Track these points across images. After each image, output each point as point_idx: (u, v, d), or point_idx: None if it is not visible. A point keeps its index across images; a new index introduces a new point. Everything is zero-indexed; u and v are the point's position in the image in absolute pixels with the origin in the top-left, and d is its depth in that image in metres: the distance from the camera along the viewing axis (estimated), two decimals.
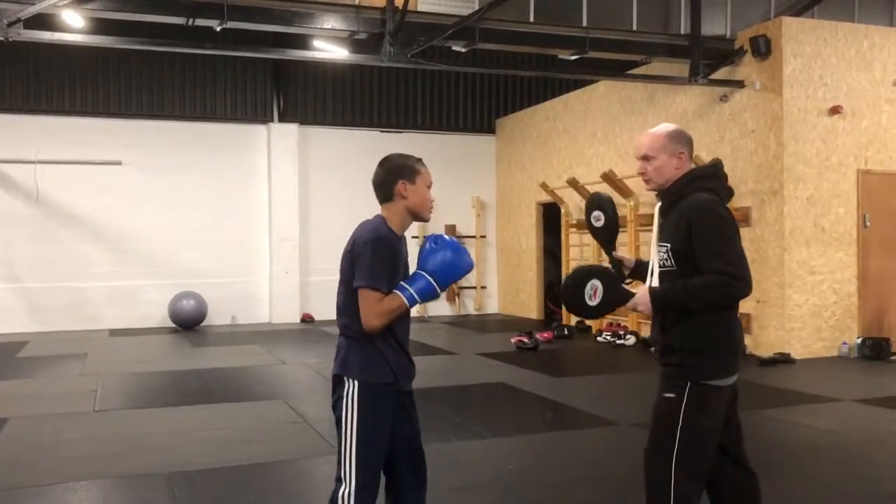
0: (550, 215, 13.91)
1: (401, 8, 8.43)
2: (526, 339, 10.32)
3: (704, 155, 9.90)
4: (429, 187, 2.97)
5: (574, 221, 12.79)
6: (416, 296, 2.78)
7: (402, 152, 3.05)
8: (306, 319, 14.00)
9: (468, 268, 2.89)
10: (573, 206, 12.74)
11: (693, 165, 3.05)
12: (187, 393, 7.56)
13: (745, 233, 9.46)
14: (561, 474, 4.88)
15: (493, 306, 15.60)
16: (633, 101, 11.66)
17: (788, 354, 8.84)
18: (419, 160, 2.98)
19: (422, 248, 2.89)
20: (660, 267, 2.96)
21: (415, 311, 14.55)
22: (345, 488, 2.76)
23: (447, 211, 15.02)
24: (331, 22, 8.65)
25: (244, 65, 13.77)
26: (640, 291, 2.85)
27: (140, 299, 13.27)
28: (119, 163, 13.12)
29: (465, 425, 6.07)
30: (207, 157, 13.75)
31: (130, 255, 13.30)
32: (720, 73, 9.79)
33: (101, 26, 9.21)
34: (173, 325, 12.97)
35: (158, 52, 12.02)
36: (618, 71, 11.60)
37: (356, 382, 2.80)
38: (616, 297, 2.85)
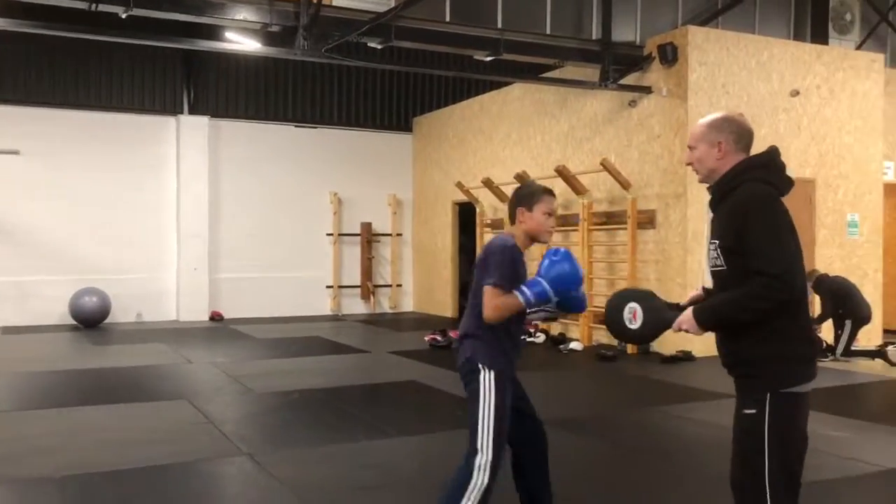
0: (466, 215, 14.00)
1: (315, 1, 8.33)
2: (439, 338, 10.35)
3: (613, 158, 10.17)
4: (549, 214, 3.36)
5: (489, 221, 12.91)
6: (531, 298, 3.16)
7: (533, 181, 3.62)
8: (215, 317, 13.68)
9: (581, 280, 3.27)
10: (488, 205, 12.87)
11: (742, 155, 2.78)
12: (86, 393, 7.26)
13: (649, 235, 9.75)
14: None
15: (408, 304, 15.59)
16: (546, 104, 11.86)
17: (689, 352, 9.16)
18: (546, 190, 3.40)
19: (543, 259, 3.25)
20: (711, 266, 2.79)
21: (328, 310, 14.52)
22: (482, 457, 3.17)
23: (363, 208, 14.95)
24: (243, 13, 8.47)
25: (153, 54, 13.31)
26: (685, 312, 2.72)
27: (37, 295, 12.67)
28: (17, 152, 12.50)
29: (375, 424, 6.04)
30: (113, 149, 13.25)
31: (27, 248, 12.68)
32: (629, 79, 10.05)
33: None
34: (74, 323, 12.45)
35: (60, 37, 11.49)
36: (531, 74, 11.77)
37: (492, 372, 3.23)
38: (658, 320, 2.80)
